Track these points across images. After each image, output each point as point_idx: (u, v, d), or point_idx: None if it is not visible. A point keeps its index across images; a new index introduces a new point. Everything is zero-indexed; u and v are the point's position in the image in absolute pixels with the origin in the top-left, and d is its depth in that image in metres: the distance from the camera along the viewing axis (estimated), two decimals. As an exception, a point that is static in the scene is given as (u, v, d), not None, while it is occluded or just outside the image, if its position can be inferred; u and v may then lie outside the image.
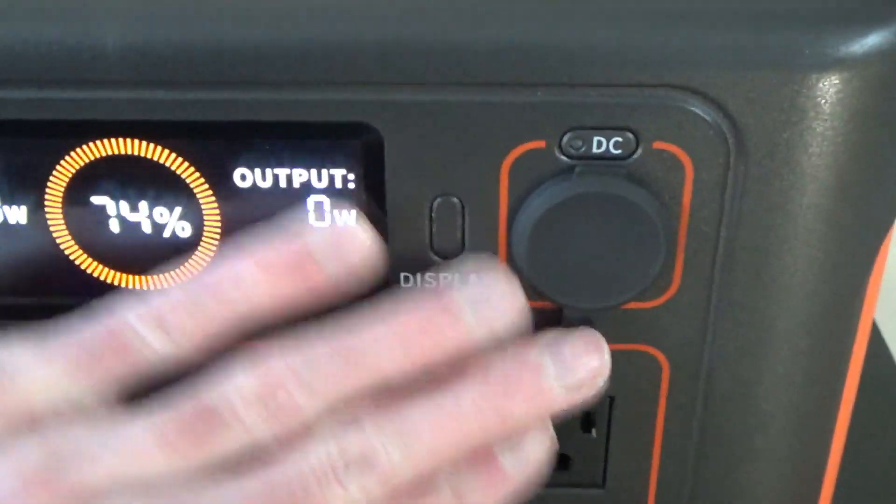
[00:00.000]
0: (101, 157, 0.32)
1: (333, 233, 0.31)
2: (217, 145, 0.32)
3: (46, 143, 0.32)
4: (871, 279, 0.36)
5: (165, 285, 0.34)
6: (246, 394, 0.29)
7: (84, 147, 0.32)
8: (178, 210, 0.33)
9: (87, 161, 0.32)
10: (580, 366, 0.32)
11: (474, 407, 0.31)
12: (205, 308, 0.30)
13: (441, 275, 0.32)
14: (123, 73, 0.30)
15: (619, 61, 0.30)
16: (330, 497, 0.29)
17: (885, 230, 0.35)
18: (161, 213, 0.33)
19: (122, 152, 0.32)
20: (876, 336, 0.62)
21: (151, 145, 0.32)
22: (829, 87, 0.31)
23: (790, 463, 0.38)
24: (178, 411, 0.29)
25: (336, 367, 0.30)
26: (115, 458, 0.28)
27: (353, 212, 0.32)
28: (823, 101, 0.31)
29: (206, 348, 0.30)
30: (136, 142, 0.32)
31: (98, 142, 0.32)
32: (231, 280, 0.30)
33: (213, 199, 0.33)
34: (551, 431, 0.34)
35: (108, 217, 0.33)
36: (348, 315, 0.31)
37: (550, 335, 0.33)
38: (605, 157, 0.32)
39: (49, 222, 0.33)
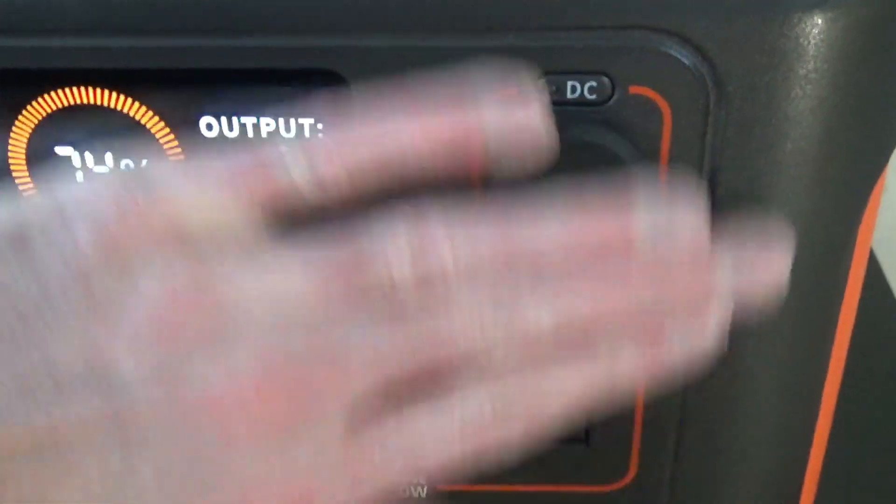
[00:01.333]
0: (64, 107, 0.31)
1: (511, 119, 0.28)
2: (183, 94, 0.31)
3: (7, 92, 0.31)
4: (863, 225, 0.35)
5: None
6: (402, 248, 0.27)
7: (46, 96, 0.31)
8: (144, 161, 0.32)
9: (49, 111, 0.31)
10: (760, 268, 0.30)
11: (642, 278, 0.29)
12: (356, 154, 0.28)
13: (632, 189, 0.29)
14: (85, 19, 0.30)
15: (594, 2, 0.29)
16: (473, 351, 0.28)
17: (875, 176, 0.34)
18: (128, 165, 0.32)
19: (86, 102, 0.31)
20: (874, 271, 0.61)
21: (115, 94, 0.31)
22: (811, 28, 0.30)
23: (779, 419, 0.37)
24: (331, 250, 0.28)
25: (496, 252, 0.28)
26: (264, 283, 0.27)
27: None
28: (806, 42, 0.30)
29: (353, 192, 0.29)
30: (100, 91, 0.31)
31: (60, 91, 0.31)
32: (391, 139, 0.28)
33: (179, 149, 0.32)
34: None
35: (74, 169, 0.32)
36: (519, 205, 0.29)
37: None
38: (580, 102, 0.31)
39: (13, 175, 0.33)
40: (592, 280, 0.28)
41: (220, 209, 0.28)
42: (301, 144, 0.28)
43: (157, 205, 0.27)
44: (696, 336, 0.29)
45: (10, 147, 0.32)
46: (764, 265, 0.29)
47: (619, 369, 0.29)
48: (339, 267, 0.28)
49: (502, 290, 0.28)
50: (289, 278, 0.27)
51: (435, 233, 0.28)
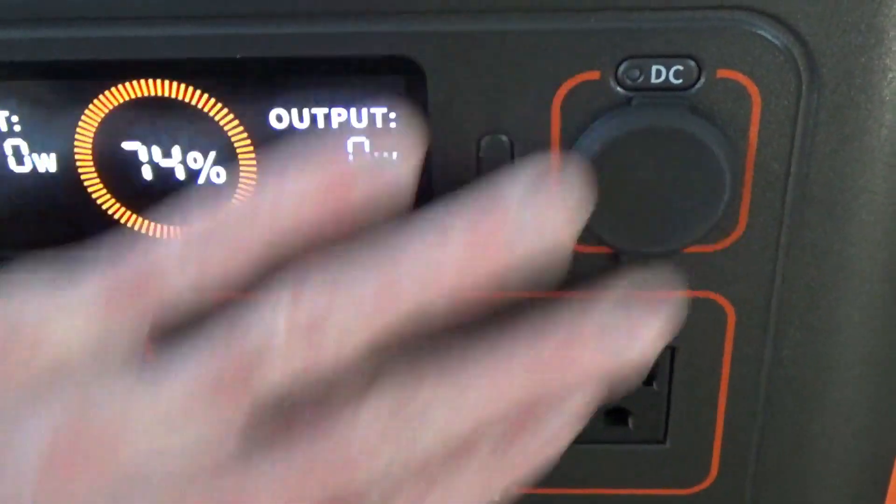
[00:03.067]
0: (131, 100, 0.31)
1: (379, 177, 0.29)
2: (251, 85, 0.30)
3: (74, 85, 0.31)
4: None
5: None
6: (284, 335, 0.27)
7: (113, 90, 0.30)
8: (212, 155, 0.31)
9: (116, 104, 0.31)
10: (639, 336, 0.30)
11: (526, 368, 0.29)
12: (232, 236, 0.27)
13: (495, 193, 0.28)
14: (153, 8, 0.29)
15: (680, -19, 0.28)
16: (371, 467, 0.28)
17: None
18: (195, 159, 0.32)
19: (153, 94, 0.31)
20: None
21: (183, 86, 0.30)
22: (911, 5, 0.28)
23: (866, 417, 0.35)
24: (208, 365, 0.27)
25: (378, 300, 0.27)
26: (143, 429, 0.27)
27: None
28: (906, 20, 0.28)
29: (236, 279, 0.28)
30: (167, 82, 0.30)
31: (127, 83, 0.30)
32: (261, 206, 0.27)
33: (248, 142, 0.31)
34: (604, 387, 0.32)
35: (141, 163, 0.32)
36: (394, 237, 0.28)
37: (612, 297, 0.31)
38: (665, 87, 0.29)
39: (79, 170, 0.32)
40: (488, 373, 0.28)
41: (96, 333, 0.27)
42: (180, 247, 0.27)
43: (24, 343, 0.27)
44: (566, 420, 0.30)
45: (76, 141, 0.31)
46: (632, 343, 0.29)
47: (504, 467, 0.29)
48: (219, 381, 0.27)
49: (402, 395, 0.27)
50: (171, 411, 0.27)
51: (315, 306, 0.27)
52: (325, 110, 0.30)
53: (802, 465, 0.36)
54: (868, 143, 0.30)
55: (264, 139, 0.31)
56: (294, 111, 0.30)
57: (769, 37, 0.28)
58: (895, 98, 0.29)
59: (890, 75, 0.29)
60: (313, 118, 0.31)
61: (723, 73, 0.29)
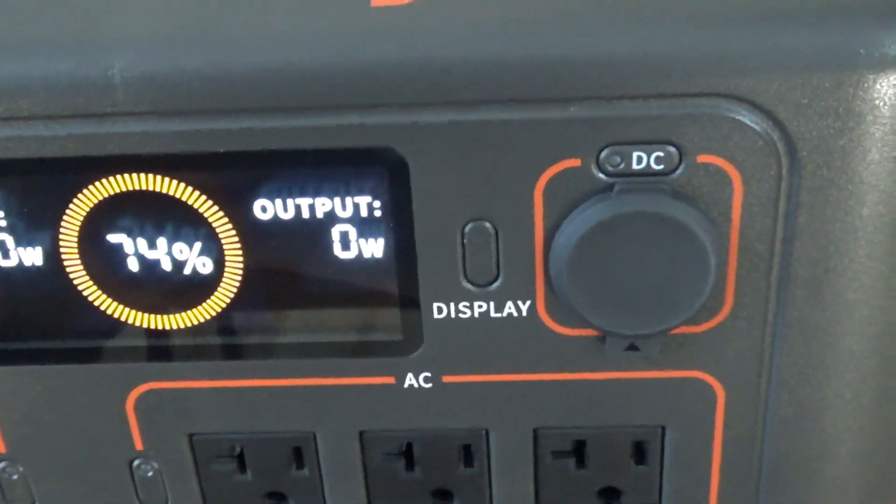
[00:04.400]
0: (116, 194, 0.31)
1: None
2: (235, 176, 0.30)
3: (58, 180, 0.31)
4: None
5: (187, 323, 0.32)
6: None
7: (97, 184, 0.30)
8: (197, 245, 0.31)
9: (101, 198, 0.31)
10: None
11: None
12: None
13: None
14: (133, 104, 0.29)
15: (658, 70, 0.28)
16: None
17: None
18: (180, 250, 0.32)
19: (137, 188, 0.31)
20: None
21: (167, 179, 0.30)
22: (887, 88, 0.28)
23: (861, 492, 0.35)
24: None
25: None
26: None
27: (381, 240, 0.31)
28: (882, 103, 0.28)
29: None
30: (151, 176, 0.30)
31: (111, 178, 0.30)
32: None
33: (233, 232, 0.31)
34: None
35: (126, 255, 0.32)
36: None
37: None
38: (647, 173, 0.29)
39: (65, 263, 0.32)
40: None
41: None
42: None
43: None
44: None
45: (61, 235, 0.31)
46: None
47: None
48: None
49: None
50: None
51: None
52: (310, 200, 0.31)
53: (798, 542, 0.36)
54: (850, 223, 0.30)
55: (249, 229, 0.31)
56: (278, 201, 0.31)
57: (748, 122, 0.29)
58: (875, 178, 0.29)
59: (868, 157, 0.29)
60: (297, 208, 0.31)
61: (703, 158, 0.29)
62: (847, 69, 0.28)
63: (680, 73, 0.28)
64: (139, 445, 0.35)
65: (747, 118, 0.29)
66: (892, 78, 0.28)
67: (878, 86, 0.28)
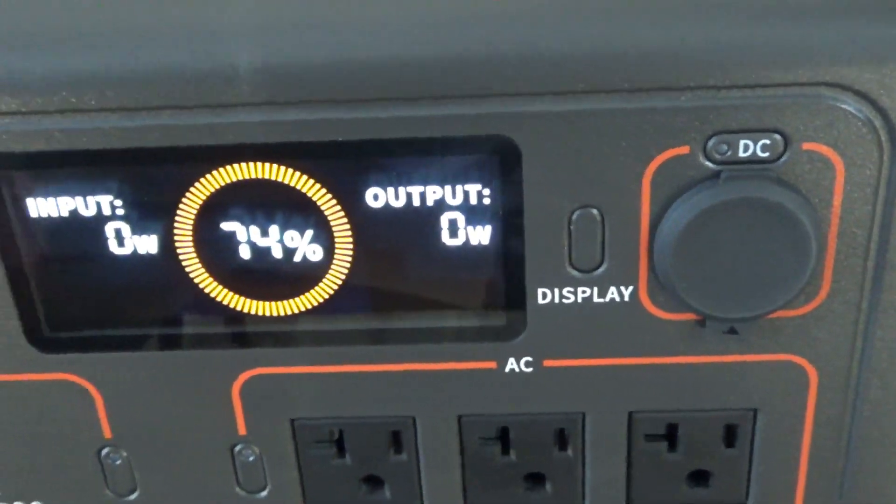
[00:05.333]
0: (231, 183, 0.32)
1: None
2: (349, 165, 0.31)
3: (175, 170, 0.32)
4: None
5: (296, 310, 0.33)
6: None
7: (214, 173, 0.31)
8: (309, 233, 0.32)
9: (217, 187, 0.32)
10: None
11: None
12: None
13: None
14: (255, 94, 0.30)
15: (765, 60, 0.29)
16: None
17: None
18: (292, 237, 0.32)
19: (253, 176, 0.32)
20: None
21: (282, 168, 0.31)
22: None
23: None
24: None
25: None
26: None
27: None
28: (982, 92, 0.29)
29: None
30: (266, 165, 0.31)
31: (227, 167, 0.31)
32: None
33: (345, 220, 0.32)
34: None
35: (239, 243, 0.33)
36: None
37: None
38: (753, 160, 0.30)
39: (178, 251, 0.33)
40: None
41: None
42: None
43: None
44: None
45: (176, 224, 0.32)
46: None
47: None
48: None
49: None
50: None
51: None
52: (421, 188, 0.31)
53: (882, 524, 0.37)
54: None
55: (360, 217, 0.32)
56: (390, 190, 0.32)
57: (852, 110, 0.30)
58: (973, 166, 0.30)
59: (969, 144, 0.30)
60: (409, 196, 0.32)
61: (807, 146, 0.30)
62: (949, 59, 0.29)
63: (786, 63, 0.29)
64: (242, 431, 0.36)
65: (851, 106, 0.30)
66: None
67: (979, 75, 0.29)
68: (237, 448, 0.36)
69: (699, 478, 0.37)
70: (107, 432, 0.36)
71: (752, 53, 0.29)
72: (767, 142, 0.30)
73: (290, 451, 0.36)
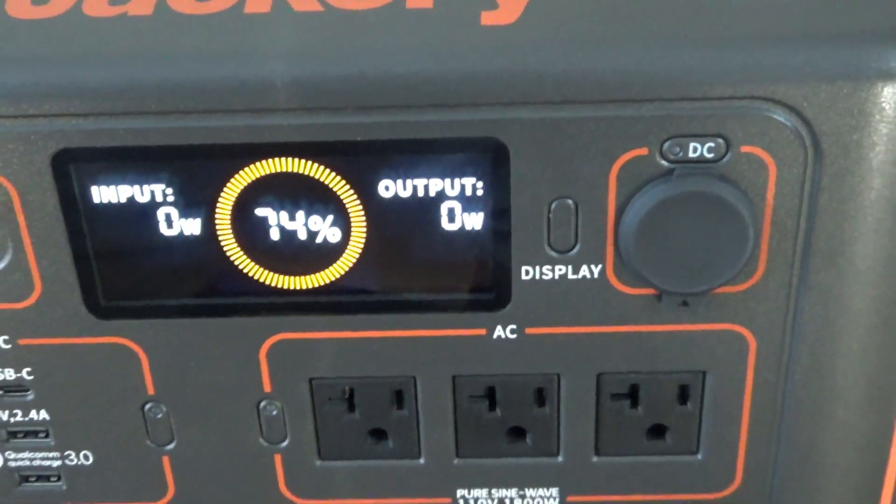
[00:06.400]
0: (265, 175, 0.37)
1: None
2: (364, 161, 0.37)
3: (218, 164, 0.37)
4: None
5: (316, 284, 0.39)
6: None
7: (251, 167, 0.37)
8: (329, 218, 0.38)
9: (253, 178, 0.37)
10: None
11: None
12: None
13: None
14: (288, 102, 0.36)
15: (711, 78, 0.35)
16: None
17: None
18: (315, 221, 0.38)
19: (282, 170, 0.37)
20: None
21: (309, 163, 0.37)
22: (891, 94, 0.35)
23: (864, 429, 0.42)
24: None
25: None
26: None
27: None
28: (888, 105, 0.35)
29: None
30: (294, 160, 0.37)
31: (262, 161, 0.37)
32: None
33: (360, 207, 0.38)
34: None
35: (270, 226, 0.38)
36: None
37: None
38: (700, 160, 0.36)
39: (218, 232, 0.38)
40: None
41: None
42: None
43: None
44: None
45: (217, 210, 0.38)
46: None
47: None
48: None
49: None
50: None
51: None
52: (425, 181, 0.37)
53: (813, 470, 0.43)
54: (861, 203, 0.37)
55: (373, 205, 0.38)
56: (399, 182, 0.37)
57: (783, 120, 0.36)
58: (882, 166, 0.36)
59: (877, 149, 0.36)
60: (414, 188, 0.38)
61: (745, 149, 0.36)
62: (860, 79, 0.35)
63: (728, 80, 0.35)
64: (267, 388, 0.42)
65: (781, 116, 0.36)
66: (894, 86, 0.35)
67: (884, 92, 0.35)
68: (262, 404, 0.42)
69: (657, 431, 0.43)
70: (150, 389, 0.42)
71: (700, 73, 0.35)
72: (712, 145, 0.36)
73: (307, 407, 0.42)
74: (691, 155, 0.37)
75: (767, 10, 0.36)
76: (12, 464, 0.44)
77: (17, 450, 0.43)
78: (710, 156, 0.36)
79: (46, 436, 0.43)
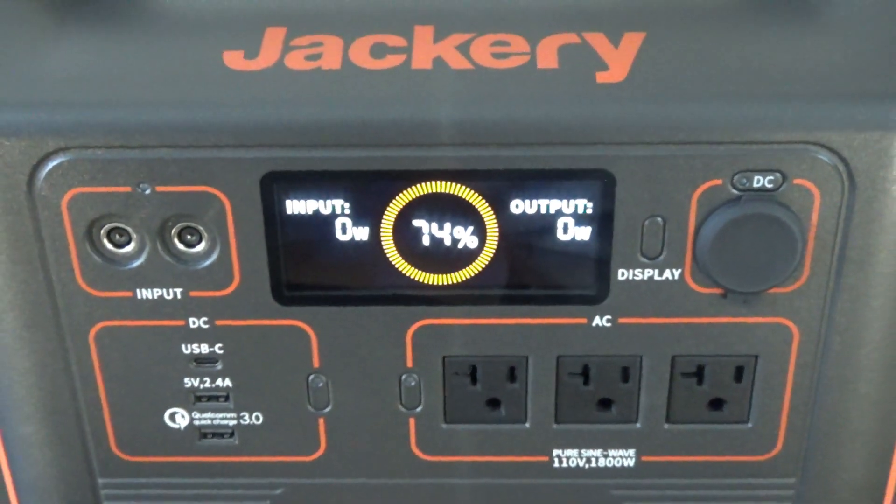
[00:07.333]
0: (422, 195, 0.48)
1: None
2: (500, 185, 0.47)
3: (385, 186, 0.48)
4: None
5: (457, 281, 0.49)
6: None
7: (411, 188, 0.48)
8: (469, 228, 0.49)
9: (412, 197, 0.48)
10: None
11: None
12: None
13: None
14: (448, 138, 0.46)
15: (774, 126, 0.46)
16: None
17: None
18: (458, 231, 0.49)
19: (435, 191, 0.48)
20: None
21: (457, 185, 0.47)
22: (912, 141, 0.46)
23: (883, 406, 0.53)
24: None
25: None
26: None
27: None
28: (909, 150, 0.46)
29: None
30: (447, 183, 0.47)
31: (420, 184, 0.48)
32: None
33: (494, 220, 0.48)
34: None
35: (423, 234, 0.49)
36: None
37: None
38: (762, 189, 0.47)
39: (381, 238, 0.49)
40: None
41: None
42: None
43: None
44: None
45: (382, 220, 0.48)
46: None
47: None
48: None
49: None
50: None
51: None
52: (547, 202, 0.48)
53: (839, 437, 0.53)
54: (884, 224, 0.47)
55: (505, 219, 0.48)
56: (527, 201, 0.48)
57: (826, 159, 0.46)
58: (901, 197, 0.47)
59: (898, 182, 0.47)
60: (538, 206, 0.48)
61: (797, 181, 0.46)
62: (887, 129, 0.45)
63: (786, 129, 0.46)
64: (409, 364, 0.52)
65: (826, 157, 0.46)
66: (916, 135, 0.46)
67: (904, 139, 0.46)
68: (403, 376, 0.52)
69: (717, 404, 0.53)
70: (315, 363, 0.52)
71: (764, 122, 0.46)
72: (772, 177, 0.46)
73: (439, 379, 0.52)
74: (755, 185, 0.47)
75: (815, 73, 0.47)
76: (196, 422, 0.54)
77: (202, 411, 0.53)
78: (769, 186, 0.47)
79: (226, 399, 0.53)
